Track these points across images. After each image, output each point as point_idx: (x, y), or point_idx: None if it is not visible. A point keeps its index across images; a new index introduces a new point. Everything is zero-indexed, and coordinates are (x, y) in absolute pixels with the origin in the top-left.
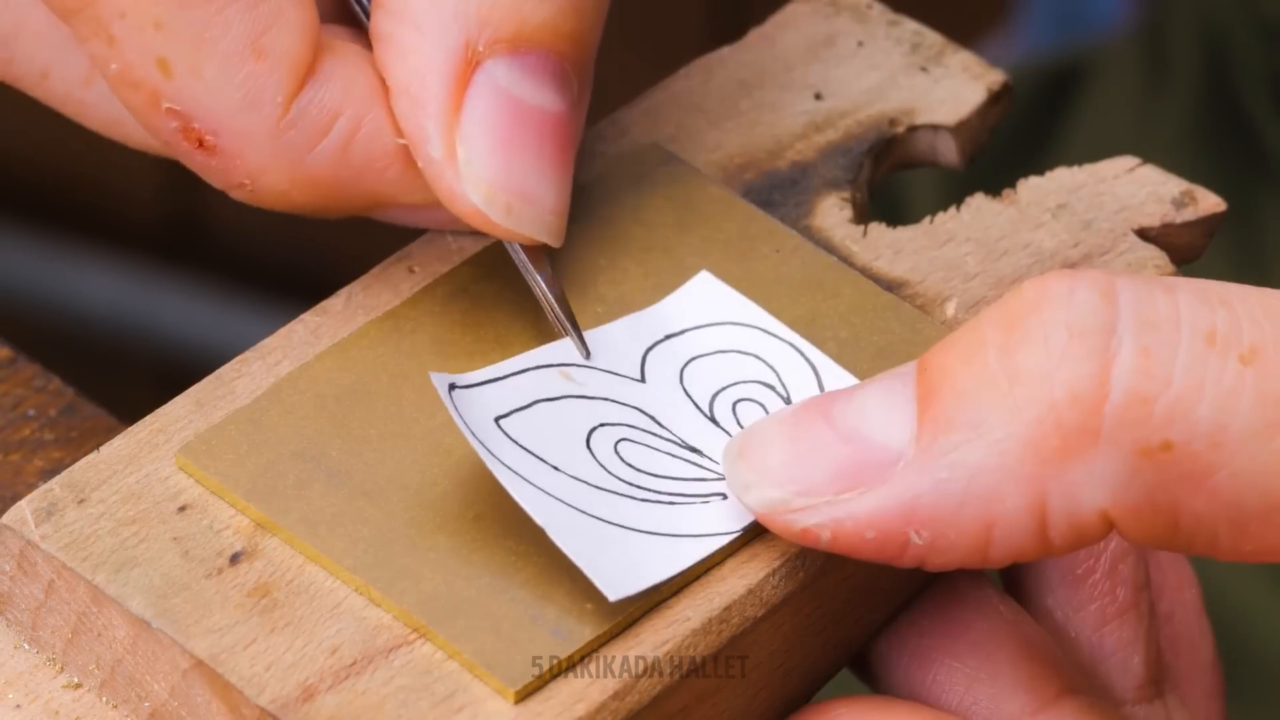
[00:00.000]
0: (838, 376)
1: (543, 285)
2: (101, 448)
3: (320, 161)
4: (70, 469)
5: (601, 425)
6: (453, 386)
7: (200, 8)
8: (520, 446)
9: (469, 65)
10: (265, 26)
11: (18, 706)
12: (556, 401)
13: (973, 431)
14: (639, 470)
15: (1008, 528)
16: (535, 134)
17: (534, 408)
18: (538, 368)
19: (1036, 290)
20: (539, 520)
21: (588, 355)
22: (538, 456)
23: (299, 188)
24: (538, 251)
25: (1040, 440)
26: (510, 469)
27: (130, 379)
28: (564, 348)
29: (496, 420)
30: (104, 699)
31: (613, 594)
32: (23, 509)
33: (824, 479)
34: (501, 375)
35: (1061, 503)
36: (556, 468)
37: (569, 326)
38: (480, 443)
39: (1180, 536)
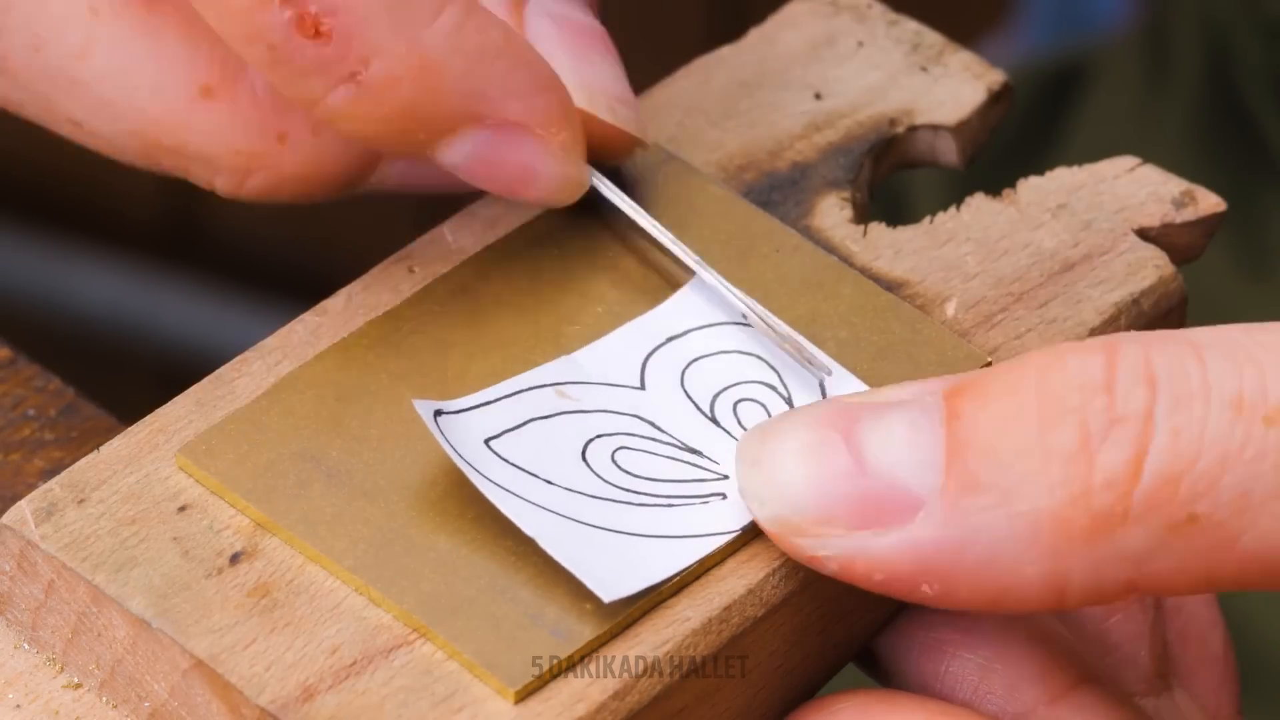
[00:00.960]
0: (839, 378)
1: (648, 217)
2: (101, 448)
3: (435, 41)
4: (70, 469)
5: (598, 437)
6: (439, 413)
7: None
8: (511, 464)
9: (519, 3)
10: None
11: (18, 706)
12: (550, 419)
13: (1001, 498)
14: (637, 476)
15: (1023, 594)
16: (600, 44)
17: (526, 427)
18: (531, 389)
19: (1079, 367)
20: (529, 531)
21: (724, 284)
22: (530, 473)
23: (410, 76)
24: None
25: (1070, 520)
26: (499, 486)
27: (130, 379)
28: (558, 367)
29: (486, 442)
30: (104, 699)
31: (607, 595)
32: (23, 509)
33: (841, 512)
34: (492, 399)
35: (1084, 577)
36: (550, 481)
37: (683, 251)
38: (468, 463)
39: (1215, 589)
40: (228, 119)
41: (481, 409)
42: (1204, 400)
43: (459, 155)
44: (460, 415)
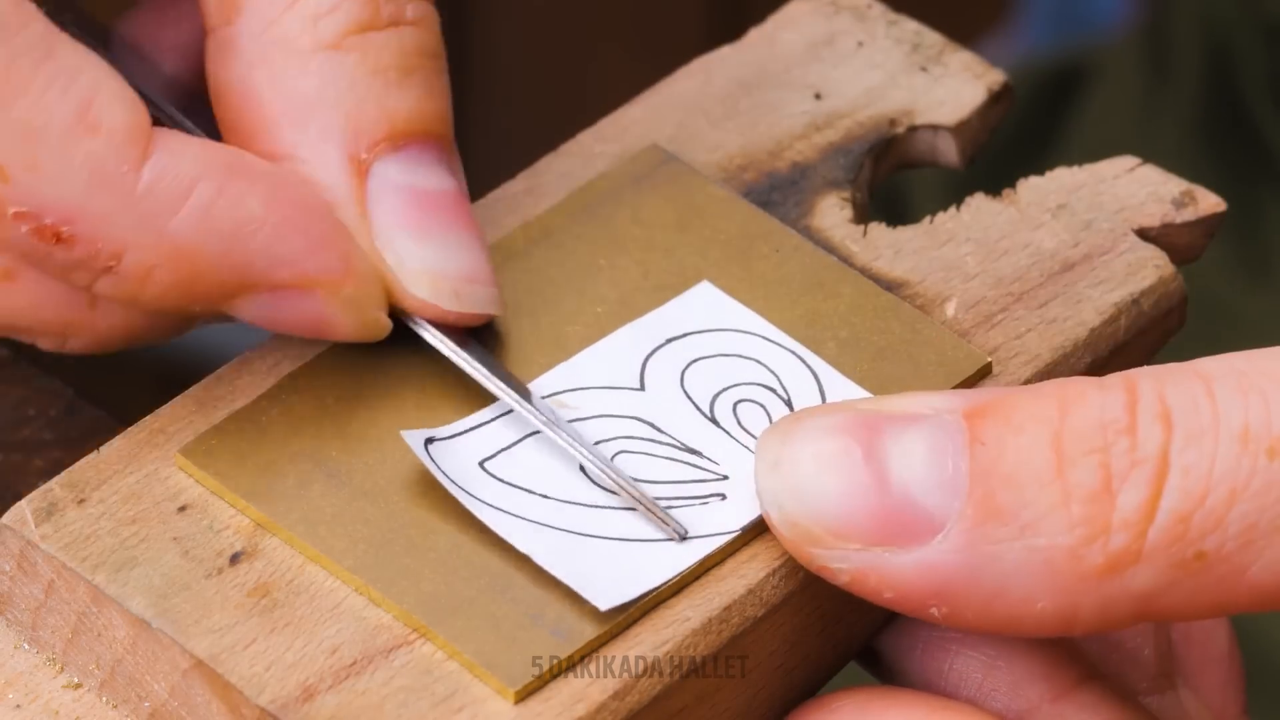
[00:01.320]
0: (838, 383)
1: (471, 359)
2: (101, 448)
3: (185, 228)
4: (70, 469)
5: (597, 443)
6: (430, 441)
7: (18, 101)
8: (506, 483)
9: (360, 176)
10: (88, 100)
11: (18, 706)
12: (549, 430)
13: (1019, 530)
14: (636, 480)
15: (1030, 623)
16: (448, 216)
17: (522, 443)
18: (528, 402)
19: (1101, 405)
20: (523, 549)
21: (548, 418)
22: (525, 489)
23: (166, 262)
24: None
25: (1084, 558)
26: (493, 506)
27: (130, 379)
28: (555, 377)
29: (480, 464)
30: (104, 699)
31: (604, 604)
32: (23, 509)
33: (859, 527)
34: (487, 420)
35: (1093, 612)
36: (546, 495)
37: (512, 395)
38: (460, 488)
39: (1224, 616)
40: (31, 296)
41: (476, 431)
42: (1214, 436)
43: (248, 314)
44: (452, 440)
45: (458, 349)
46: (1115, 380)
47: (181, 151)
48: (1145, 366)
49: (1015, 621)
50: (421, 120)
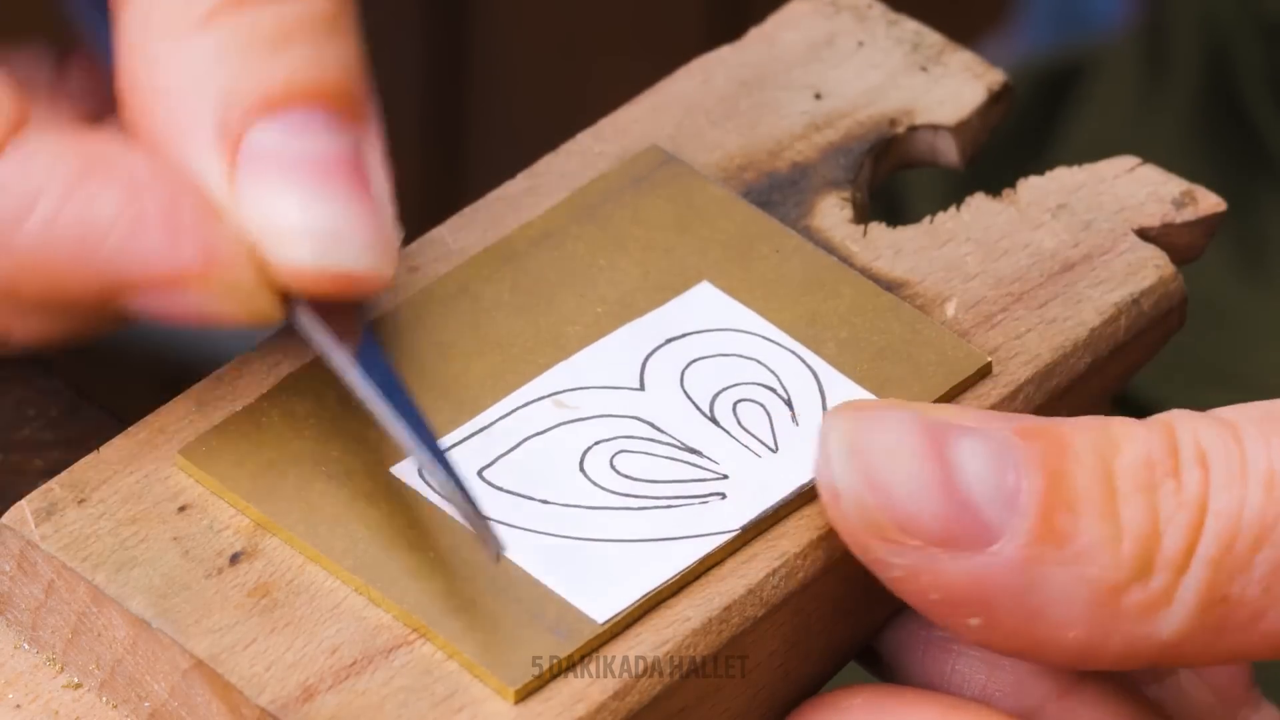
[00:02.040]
0: (839, 383)
1: (382, 399)
2: (101, 448)
3: (29, 242)
4: (70, 469)
5: (596, 444)
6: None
7: None
8: (505, 491)
9: (233, 147)
10: None
11: (18, 706)
12: (547, 433)
13: (1073, 557)
14: (635, 479)
15: (1056, 650)
16: (321, 175)
17: (521, 447)
18: (526, 404)
19: (1147, 446)
20: (519, 562)
21: (437, 459)
22: (525, 496)
23: (22, 275)
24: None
25: (1129, 594)
26: (491, 520)
27: (130, 379)
28: (554, 376)
29: (479, 473)
30: (104, 699)
31: (600, 615)
32: (23, 509)
33: (924, 526)
34: (488, 424)
35: (1119, 645)
36: (546, 501)
37: (416, 441)
38: (452, 505)
39: (1241, 660)
40: None
41: (476, 437)
42: (1243, 481)
43: (140, 309)
44: (449, 453)
45: (368, 384)
46: (1156, 422)
47: (31, 158)
48: (1176, 410)
49: (1041, 645)
50: (303, 84)
